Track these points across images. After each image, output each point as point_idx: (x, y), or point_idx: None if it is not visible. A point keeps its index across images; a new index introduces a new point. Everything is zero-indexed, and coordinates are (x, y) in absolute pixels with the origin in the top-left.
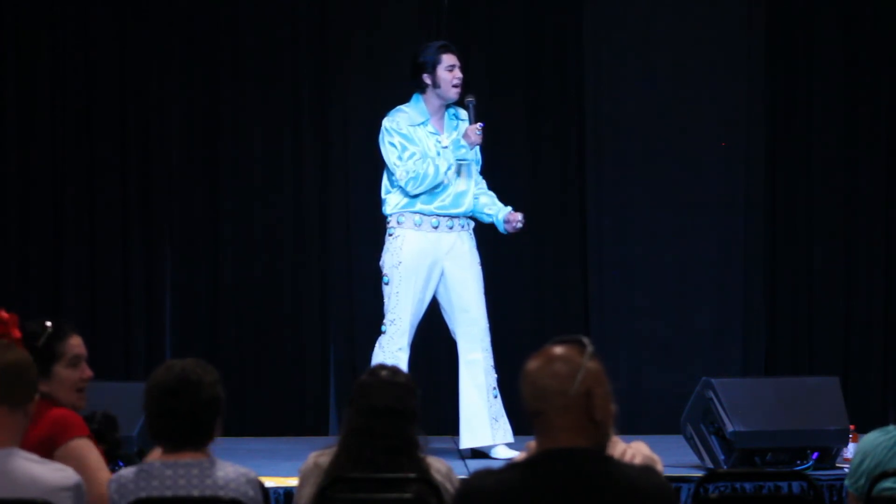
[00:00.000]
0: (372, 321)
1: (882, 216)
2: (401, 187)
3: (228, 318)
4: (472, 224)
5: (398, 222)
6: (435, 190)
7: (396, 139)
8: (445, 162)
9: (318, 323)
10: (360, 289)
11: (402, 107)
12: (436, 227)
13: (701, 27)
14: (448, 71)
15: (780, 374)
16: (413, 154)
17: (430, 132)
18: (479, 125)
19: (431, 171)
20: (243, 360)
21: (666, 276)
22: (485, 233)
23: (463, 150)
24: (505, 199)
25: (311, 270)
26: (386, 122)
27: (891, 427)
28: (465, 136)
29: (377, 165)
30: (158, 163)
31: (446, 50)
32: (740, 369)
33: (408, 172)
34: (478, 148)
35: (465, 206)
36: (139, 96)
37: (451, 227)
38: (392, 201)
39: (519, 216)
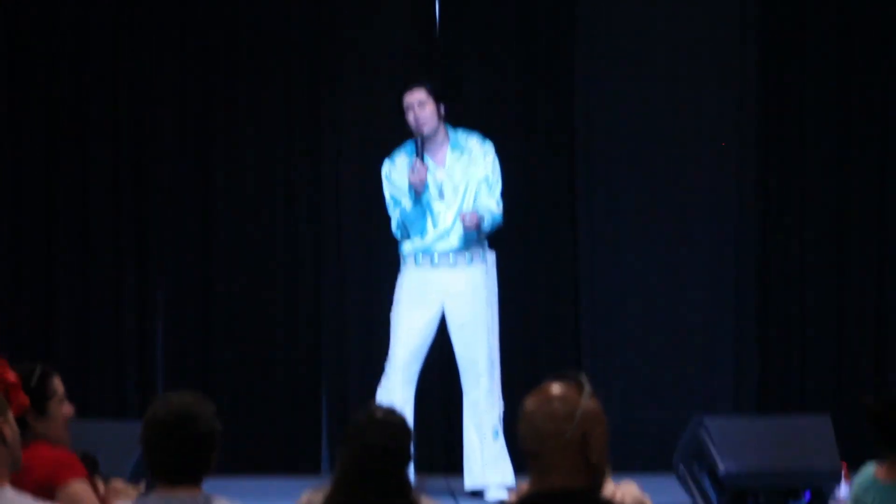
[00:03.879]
0: (365, 358)
1: (876, 240)
2: None
3: (220, 354)
4: (485, 254)
5: (404, 261)
6: (423, 228)
7: (386, 187)
8: (409, 202)
9: (311, 360)
10: (355, 325)
11: (404, 145)
12: (435, 265)
13: (693, 31)
14: (408, 112)
15: (771, 407)
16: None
17: (430, 169)
18: (416, 163)
19: (400, 215)
20: (235, 396)
21: (656, 305)
22: None
23: (420, 194)
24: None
25: (303, 307)
26: (383, 169)
27: (868, 464)
28: (410, 177)
29: (372, 202)
30: (150, 192)
31: (407, 90)
32: (732, 402)
33: (392, 221)
34: (489, 172)
35: (453, 241)
36: (134, 123)
37: (453, 264)
38: (400, 243)
39: (466, 213)
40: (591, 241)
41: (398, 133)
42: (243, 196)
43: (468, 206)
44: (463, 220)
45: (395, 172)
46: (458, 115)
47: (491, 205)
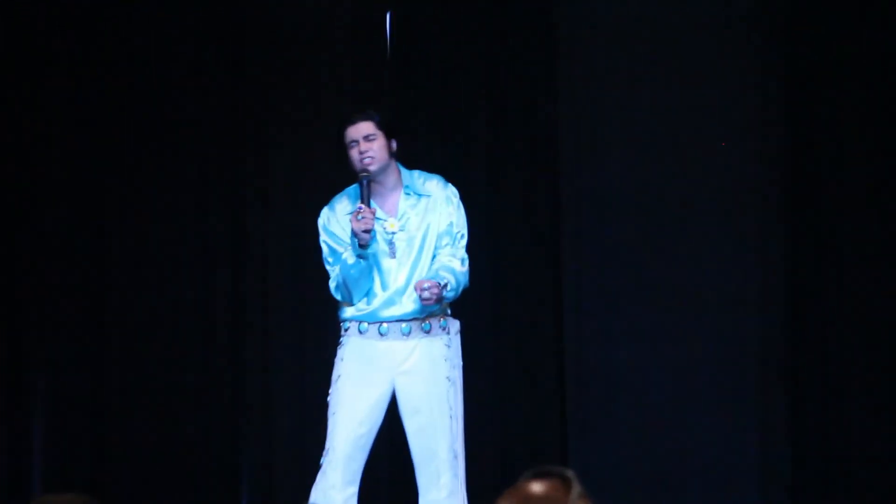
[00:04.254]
0: (296, 450)
1: None
2: None
3: (114, 443)
4: (448, 323)
5: (344, 330)
6: (369, 289)
7: (324, 239)
8: (351, 257)
9: (229, 457)
10: (283, 409)
11: (347, 190)
12: (384, 335)
13: (701, 67)
14: (352, 148)
15: None
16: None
17: (378, 217)
18: (360, 208)
19: (341, 273)
20: (133, 495)
21: (661, 383)
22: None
23: (366, 245)
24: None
25: (220, 390)
26: (320, 218)
27: None
28: (352, 226)
29: (305, 260)
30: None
31: (350, 122)
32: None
33: (331, 281)
34: (453, 220)
35: (407, 306)
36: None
37: (406, 333)
38: (340, 306)
39: (424, 283)
40: (579, 300)
41: (338, 176)
42: (144, 257)
43: (425, 265)
44: (419, 293)
45: (335, 221)
46: (414, 154)
47: (454, 265)
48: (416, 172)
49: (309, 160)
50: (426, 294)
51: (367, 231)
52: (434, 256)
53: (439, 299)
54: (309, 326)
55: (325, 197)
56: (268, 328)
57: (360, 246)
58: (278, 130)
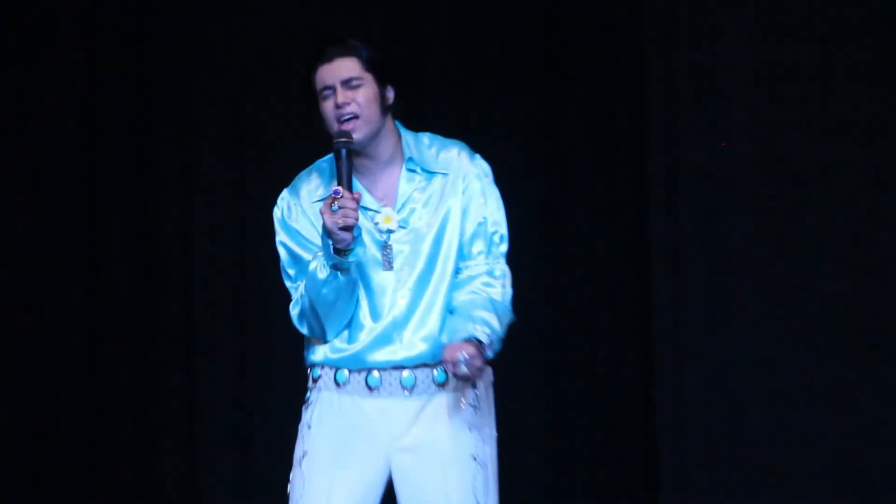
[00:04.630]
0: None
1: None
2: None
3: None
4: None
5: (313, 380)
6: (352, 317)
7: (282, 241)
8: (324, 268)
9: None
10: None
11: (318, 164)
12: (375, 390)
13: None
14: (325, 100)
15: None
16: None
17: (365, 207)
18: (336, 191)
19: (308, 294)
20: None
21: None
22: None
23: (347, 250)
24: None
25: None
26: (275, 209)
27: None
28: (324, 220)
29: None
30: None
31: (319, 60)
32: None
33: (292, 304)
34: (487, 214)
35: (409, 346)
36: None
37: (409, 387)
38: (307, 344)
39: (461, 354)
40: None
41: (307, 150)
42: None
43: (440, 285)
44: (452, 370)
45: (299, 212)
46: (423, 113)
47: (493, 294)
48: (424, 137)
49: (246, 121)
50: (466, 371)
51: (347, 228)
52: (456, 271)
53: (480, 368)
54: (257, 369)
55: (282, 176)
56: (197, 372)
57: (337, 251)
58: (211, 79)
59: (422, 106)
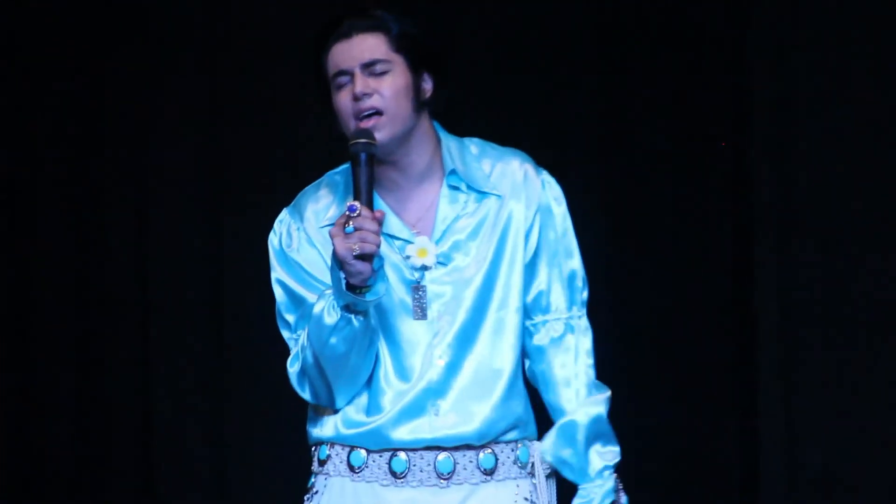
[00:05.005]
0: None
1: None
2: None
3: None
4: (529, 455)
5: (319, 461)
6: (371, 378)
7: (279, 278)
8: (334, 311)
9: None
10: None
11: (330, 176)
12: (400, 475)
13: None
14: (339, 90)
15: None
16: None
17: (392, 235)
18: (352, 208)
19: (311, 347)
20: None
21: None
22: None
23: (365, 287)
24: None
25: None
26: (271, 235)
27: None
28: (335, 245)
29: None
30: None
31: (335, 37)
32: None
33: (290, 359)
34: (561, 248)
35: (448, 420)
36: None
37: (446, 474)
38: (312, 414)
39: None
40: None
41: (310, 166)
42: None
43: (498, 346)
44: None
45: (302, 241)
46: (468, 107)
47: (581, 370)
48: (471, 144)
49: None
50: None
51: (365, 257)
52: (521, 327)
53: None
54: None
55: (285, 197)
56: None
57: (351, 287)
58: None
59: (468, 110)
